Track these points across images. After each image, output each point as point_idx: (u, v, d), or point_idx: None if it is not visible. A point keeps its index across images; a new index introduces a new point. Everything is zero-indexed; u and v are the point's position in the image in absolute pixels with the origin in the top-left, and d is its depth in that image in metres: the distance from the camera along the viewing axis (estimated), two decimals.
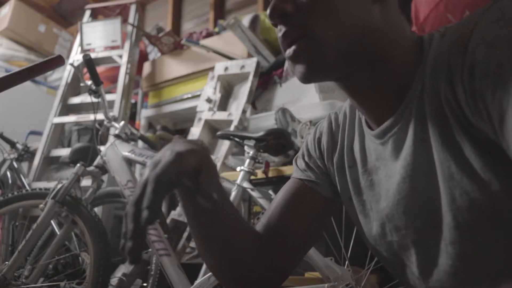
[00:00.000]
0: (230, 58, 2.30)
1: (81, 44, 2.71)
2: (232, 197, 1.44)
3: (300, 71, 0.53)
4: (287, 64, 2.06)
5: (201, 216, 0.60)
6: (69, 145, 2.62)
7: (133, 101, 2.84)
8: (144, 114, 2.71)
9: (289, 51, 0.53)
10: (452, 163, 0.48)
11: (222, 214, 0.62)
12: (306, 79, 0.54)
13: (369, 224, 0.64)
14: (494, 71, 0.41)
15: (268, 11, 0.53)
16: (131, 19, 2.80)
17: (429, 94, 0.50)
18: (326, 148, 0.70)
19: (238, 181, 1.45)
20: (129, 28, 2.73)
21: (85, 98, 2.52)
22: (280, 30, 0.54)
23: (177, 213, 1.96)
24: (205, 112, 2.17)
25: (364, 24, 0.51)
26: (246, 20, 2.36)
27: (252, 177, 1.50)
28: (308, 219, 0.69)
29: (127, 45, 2.66)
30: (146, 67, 2.75)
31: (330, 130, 0.70)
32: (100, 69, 2.82)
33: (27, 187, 2.20)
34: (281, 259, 0.69)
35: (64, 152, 2.40)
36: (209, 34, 2.62)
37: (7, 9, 3.51)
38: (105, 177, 1.79)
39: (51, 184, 1.98)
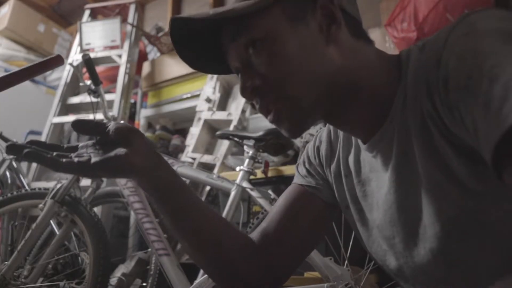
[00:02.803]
0: None
1: (80, 44, 2.71)
2: (231, 197, 1.44)
3: (286, 130, 0.57)
4: None
5: (181, 216, 0.61)
6: None
7: (132, 101, 2.84)
8: (144, 114, 2.71)
9: (271, 117, 0.57)
10: (438, 172, 0.49)
11: (198, 216, 0.63)
12: (295, 135, 0.58)
13: (366, 232, 0.65)
14: (464, 83, 0.43)
15: (240, 92, 0.57)
16: (130, 18, 2.80)
17: (410, 107, 0.51)
18: (325, 156, 0.71)
19: (237, 181, 1.45)
20: (129, 27, 2.73)
21: (85, 98, 2.52)
22: (256, 104, 0.58)
23: None
24: (205, 112, 2.17)
25: (327, 69, 0.54)
26: None
27: (252, 177, 1.50)
28: (308, 225, 0.70)
29: (126, 44, 2.65)
30: (146, 67, 2.74)
31: (329, 139, 0.72)
32: (99, 68, 2.82)
33: (27, 187, 2.20)
34: (279, 264, 0.69)
35: None
36: None
37: (6, 8, 3.51)
38: None
39: (50, 184, 1.98)
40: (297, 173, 0.76)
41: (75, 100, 2.62)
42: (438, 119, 0.48)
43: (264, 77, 0.55)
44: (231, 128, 1.98)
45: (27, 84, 3.09)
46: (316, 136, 0.76)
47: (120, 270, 1.81)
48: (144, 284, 1.76)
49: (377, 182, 0.60)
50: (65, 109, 2.63)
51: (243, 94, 0.57)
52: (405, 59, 0.54)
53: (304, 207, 0.70)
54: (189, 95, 2.49)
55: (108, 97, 2.28)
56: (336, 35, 0.54)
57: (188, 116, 2.48)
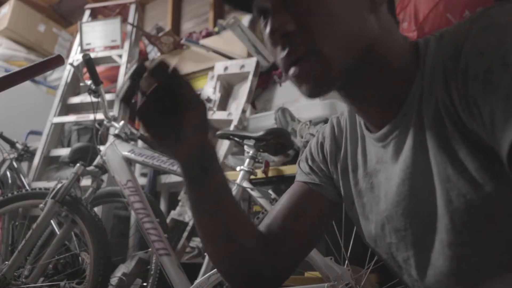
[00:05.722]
0: (229, 57, 2.30)
1: (80, 44, 2.71)
2: None
3: (307, 89, 0.53)
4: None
5: (206, 201, 0.63)
6: (68, 145, 2.62)
7: (132, 100, 2.84)
8: None
9: (294, 70, 0.52)
10: (449, 165, 0.49)
11: (226, 201, 0.64)
12: (313, 96, 0.54)
13: (369, 226, 0.65)
14: (484, 77, 0.43)
15: (267, 31, 0.52)
16: (130, 18, 2.80)
17: (427, 98, 0.51)
18: (329, 153, 0.70)
19: (238, 181, 1.45)
20: (129, 27, 2.73)
21: (85, 97, 2.51)
22: (281, 50, 0.52)
23: (177, 213, 1.96)
24: None
25: (366, 35, 0.52)
26: (245, 20, 2.36)
27: (252, 177, 1.50)
28: (311, 222, 0.70)
29: (126, 44, 2.65)
30: None
31: (333, 135, 0.71)
32: (99, 68, 2.81)
33: (27, 187, 2.20)
34: (282, 260, 0.70)
35: (63, 152, 2.40)
36: (208, 34, 2.62)
37: (6, 9, 3.51)
38: (104, 177, 1.79)
39: (51, 184, 1.98)
40: (300, 170, 0.75)
41: (75, 100, 2.62)
42: (453, 111, 0.47)
43: (301, 24, 0.50)
44: (232, 128, 1.98)
45: (27, 84, 3.09)
46: (319, 132, 0.75)
47: (121, 270, 1.81)
48: (145, 284, 1.76)
49: (386, 173, 0.59)
50: (66, 109, 2.63)
51: (271, 35, 0.52)
52: (423, 47, 0.53)
53: (308, 205, 0.70)
54: None
55: (108, 97, 2.28)
56: (379, 6, 0.53)
57: None
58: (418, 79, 0.52)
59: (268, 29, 0.52)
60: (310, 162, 0.73)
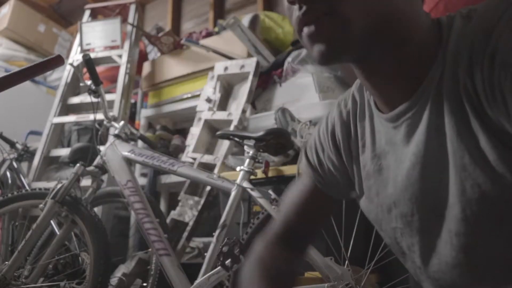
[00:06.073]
0: (229, 58, 2.30)
1: (80, 44, 2.71)
2: (232, 197, 1.44)
3: (320, 50, 0.49)
4: (287, 63, 2.06)
5: None
6: (68, 145, 2.62)
7: (132, 101, 2.84)
8: (144, 114, 2.71)
9: (309, 29, 0.49)
10: (466, 153, 0.47)
11: None
12: (326, 59, 0.50)
13: (374, 209, 0.63)
14: None
15: None
16: (130, 19, 2.80)
17: (448, 80, 0.48)
18: (342, 140, 0.67)
19: (238, 181, 1.45)
20: (129, 28, 2.73)
21: (85, 98, 2.51)
22: (298, 9, 0.49)
23: (177, 213, 1.96)
24: (205, 112, 2.17)
25: (389, 3, 0.49)
26: (245, 20, 2.35)
27: (252, 177, 1.50)
28: (319, 219, 0.76)
29: (126, 45, 2.65)
30: (146, 67, 2.74)
31: (342, 120, 0.67)
32: (99, 69, 2.81)
33: (27, 187, 2.20)
34: (296, 249, 0.76)
35: (63, 152, 2.40)
36: (208, 34, 2.62)
37: (6, 9, 3.51)
38: (105, 177, 1.80)
39: (51, 184, 1.98)
40: (307, 161, 0.74)
41: (75, 100, 2.62)
42: (474, 96, 0.45)
43: None
44: (232, 128, 1.98)
45: (27, 84, 3.09)
46: (327, 119, 0.71)
47: (121, 270, 1.81)
48: (145, 284, 1.76)
49: (395, 155, 0.57)
50: (66, 109, 2.63)
51: None
52: (446, 26, 0.50)
53: (316, 206, 0.74)
54: (189, 95, 2.49)
55: (108, 97, 2.28)
56: None
57: (189, 116, 2.47)
58: (439, 60, 0.49)
59: None
60: (320, 152, 0.71)
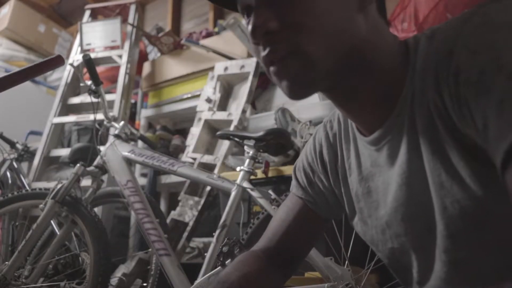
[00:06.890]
0: (230, 58, 2.30)
1: (80, 44, 2.71)
2: (232, 197, 1.44)
3: (287, 86, 0.50)
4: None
5: None
6: (69, 145, 2.62)
7: (133, 101, 2.84)
8: (144, 114, 2.71)
9: (274, 69, 0.50)
10: (442, 171, 0.48)
11: None
12: (295, 94, 0.51)
13: (368, 231, 0.64)
14: (477, 78, 0.41)
15: (249, 29, 0.50)
16: (130, 19, 2.80)
17: (419, 100, 0.49)
18: (329, 161, 0.68)
19: (238, 181, 1.45)
20: (129, 28, 2.73)
21: (85, 98, 2.51)
22: (263, 49, 0.50)
23: (177, 213, 1.96)
24: (205, 112, 2.17)
25: (352, 35, 0.49)
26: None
27: (252, 177, 1.50)
28: (309, 237, 0.74)
29: (126, 45, 2.65)
30: (146, 67, 2.74)
31: (328, 142, 0.69)
32: (99, 69, 2.82)
33: (27, 187, 2.20)
34: (282, 269, 0.73)
35: (64, 152, 2.40)
36: (209, 34, 2.62)
37: (6, 9, 3.51)
38: (105, 177, 1.79)
39: (51, 184, 1.98)
40: (296, 182, 0.74)
41: (75, 100, 2.62)
42: (445, 114, 0.46)
43: (283, 21, 0.48)
44: (232, 128, 1.98)
45: (27, 84, 3.09)
46: (314, 140, 0.72)
47: (121, 270, 1.81)
48: (145, 284, 1.76)
49: (382, 177, 0.57)
50: (66, 109, 2.63)
51: (253, 33, 0.49)
52: (413, 47, 0.51)
53: (304, 224, 0.72)
54: (189, 95, 2.49)
55: (108, 97, 2.28)
56: (368, 5, 0.50)
57: (189, 116, 2.48)
58: (408, 81, 0.50)
59: (249, 27, 0.49)
60: (309, 172, 0.72)
